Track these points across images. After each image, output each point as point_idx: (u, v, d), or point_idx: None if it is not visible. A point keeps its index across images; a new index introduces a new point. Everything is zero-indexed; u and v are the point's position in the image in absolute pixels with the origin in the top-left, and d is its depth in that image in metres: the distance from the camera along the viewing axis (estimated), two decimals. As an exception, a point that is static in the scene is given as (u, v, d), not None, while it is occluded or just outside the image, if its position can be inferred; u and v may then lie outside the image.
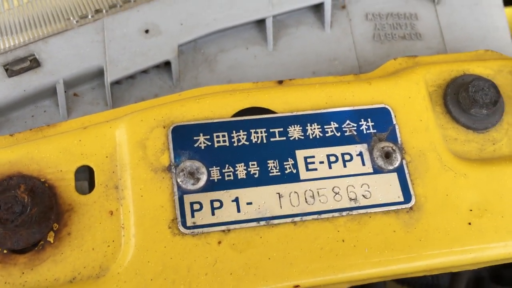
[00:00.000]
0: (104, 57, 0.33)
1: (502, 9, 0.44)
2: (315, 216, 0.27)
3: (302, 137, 0.29)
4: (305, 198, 0.27)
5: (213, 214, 0.26)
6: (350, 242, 0.27)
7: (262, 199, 0.27)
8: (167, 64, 0.35)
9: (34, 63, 0.32)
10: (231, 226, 0.26)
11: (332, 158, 0.28)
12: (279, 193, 0.27)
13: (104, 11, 0.35)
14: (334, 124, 0.29)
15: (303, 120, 0.29)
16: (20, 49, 0.32)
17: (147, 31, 0.34)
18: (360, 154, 0.29)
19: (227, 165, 0.27)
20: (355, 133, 0.29)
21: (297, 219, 0.27)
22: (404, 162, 0.29)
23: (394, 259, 0.27)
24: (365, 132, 0.29)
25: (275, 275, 0.25)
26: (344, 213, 0.27)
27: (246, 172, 0.27)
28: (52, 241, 0.25)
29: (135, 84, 0.35)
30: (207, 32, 0.35)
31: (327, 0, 0.37)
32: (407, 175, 0.28)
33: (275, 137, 0.28)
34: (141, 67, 0.34)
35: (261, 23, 0.37)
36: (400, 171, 0.28)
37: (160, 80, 0.35)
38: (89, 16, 0.35)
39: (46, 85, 0.32)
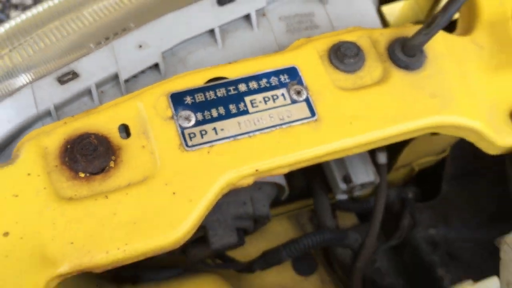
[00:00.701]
0: (116, 66, 0.53)
1: (371, 3, 0.65)
2: (260, 131, 0.47)
3: (247, 90, 0.48)
4: (254, 122, 0.47)
5: (202, 138, 0.46)
6: (284, 142, 0.47)
7: (229, 126, 0.46)
8: (156, 65, 0.54)
9: (75, 75, 0.51)
10: (214, 143, 0.46)
11: (267, 99, 0.48)
12: (238, 122, 0.47)
13: (111, 37, 0.54)
14: (264, 80, 0.49)
15: (246, 80, 0.49)
16: (65, 67, 0.51)
17: (140, 46, 0.54)
18: (283, 94, 0.49)
19: (205, 111, 0.47)
20: (278, 83, 0.49)
21: (251, 134, 0.46)
22: (309, 95, 0.49)
23: (310, 147, 0.47)
24: (283, 81, 0.49)
25: (243, 160, 0.45)
26: (277, 127, 0.47)
27: (217, 113, 0.47)
28: (113, 166, 0.44)
29: (138, 81, 0.54)
30: (178, 42, 0.55)
31: (253, 12, 0.58)
32: (312, 102, 0.48)
33: (231, 92, 0.48)
34: (140, 69, 0.53)
35: (212, 31, 0.57)
36: (307, 100, 0.49)
37: (153, 76, 0.55)
38: (102, 42, 0.54)
39: (84, 88, 0.51)
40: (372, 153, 0.70)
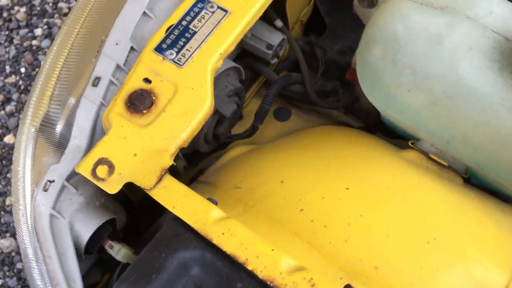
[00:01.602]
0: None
1: None
2: (209, 35, 0.82)
3: (188, 21, 0.84)
4: (203, 34, 0.83)
5: (184, 57, 0.81)
6: (223, 32, 0.83)
7: (192, 44, 0.82)
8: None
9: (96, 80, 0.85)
10: (192, 55, 0.81)
11: (200, 19, 0.84)
12: (195, 39, 0.82)
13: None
14: (192, 12, 0.85)
15: (184, 17, 0.84)
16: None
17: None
18: (205, 12, 0.85)
19: (176, 44, 0.82)
20: (200, 8, 0.85)
21: (206, 39, 0.82)
22: (217, 4, 0.85)
23: (237, 26, 0.83)
24: (201, 6, 0.85)
25: (211, 52, 0.81)
26: (215, 28, 0.83)
27: (182, 41, 0.82)
28: (155, 99, 0.79)
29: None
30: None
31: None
32: (221, 6, 0.85)
33: (181, 27, 0.83)
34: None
35: (145, 12, 0.91)
36: (218, 7, 0.85)
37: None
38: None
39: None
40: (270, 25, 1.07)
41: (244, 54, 1.09)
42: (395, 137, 0.90)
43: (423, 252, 0.63)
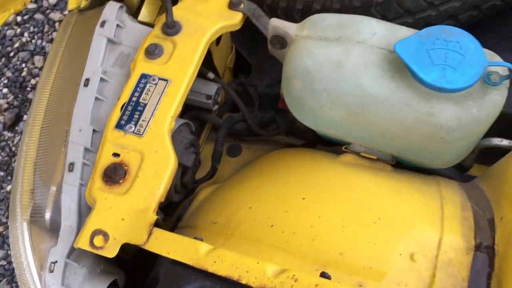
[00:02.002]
0: (81, 145, 0.99)
1: None
2: (158, 103, 0.97)
3: (137, 96, 0.98)
4: (153, 104, 0.97)
5: (144, 128, 0.95)
6: (169, 98, 0.97)
7: (146, 114, 0.96)
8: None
9: (71, 166, 0.97)
10: (148, 123, 0.95)
11: (147, 91, 0.98)
12: (147, 109, 0.97)
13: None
14: (139, 86, 0.99)
15: (133, 93, 0.98)
16: (65, 164, 0.96)
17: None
18: (150, 86, 0.99)
19: (132, 119, 0.96)
20: (145, 82, 0.99)
21: (157, 107, 0.96)
22: (157, 77, 0.99)
23: (179, 89, 0.98)
24: (145, 82, 0.99)
25: (164, 118, 0.95)
26: (162, 95, 0.98)
27: (137, 114, 0.96)
28: (127, 170, 0.92)
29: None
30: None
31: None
32: (162, 77, 0.99)
33: (132, 102, 0.98)
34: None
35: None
36: (160, 79, 0.99)
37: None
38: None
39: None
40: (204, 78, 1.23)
41: (189, 108, 1.24)
42: (332, 145, 1.08)
43: (373, 231, 0.79)
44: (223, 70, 1.33)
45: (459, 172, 1.07)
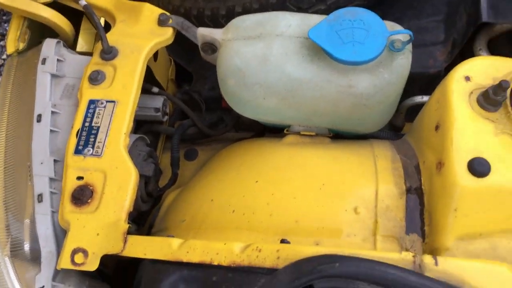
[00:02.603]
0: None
1: None
2: (110, 123, 1.05)
3: (90, 120, 1.06)
4: (106, 124, 1.05)
5: (102, 149, 1.03)
6: (119, 118, 1.05)
7: (101, 136, 1.04)
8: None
9: (40, 197, 1.03)
10: (104, 143, 1.03)
11: (97, 115, 1.06)
12: (101, 131, 1.04)
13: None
14: (90, 111, 1.06)
15: (85, 118, 1.06)
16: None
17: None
18: (100, 109, 1.07)
19: (89, 143, 1.04)
20: (94, 107, 1.07)
21: (109, 126, 1.04)
22: (105, 100, 1.07)
23: (126, 109, 1.06)
24: (94, 106, 1.07)
25: (118, 134, 1.03)
26: (112, 115, 1.05)
27: (93, 139, 1.04)
28: (93, 191, 0.99)
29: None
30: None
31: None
32: (109, 99, 1.07)
33: (86, 127, 1.05)
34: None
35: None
36: (108, 101, 1.07)
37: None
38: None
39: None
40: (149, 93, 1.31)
41: (141, 124, 1.32)
42: (278, 131, 1.18)
43: (320, 196, 0.89)
44: (166, 82, 1.41)
45: (394, 133, 1.19)
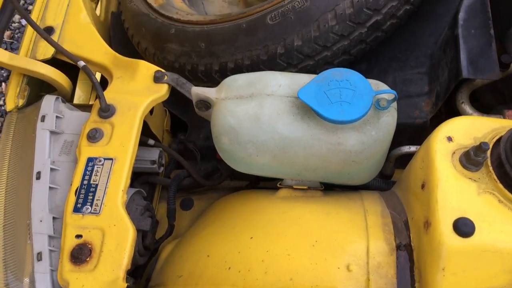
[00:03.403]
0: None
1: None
2: (108, 182, 1.08)
3: (88, 178, 1.09)
4: (102, 181, 1.08)
5: (100, 207, 1.05)
6: (117, 175, 1.08)
7: (99, 194, 1.07)
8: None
9: (39, 255, 1.05)
10: (102, 201, 1.06)
11: (96, 172, 1.09)
12: (99, 188, 1.07)
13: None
14: (89, 168, 1.10)
15: (84, 175, 1.09)
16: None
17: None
18: (98, 167, 1.10)
19: (87, 202, 1.06)
20: (92, 164, 1.10)
21: (107, 184, 1.07)
22: (103, 159, 1.10)
23: (124, 166, 1.10)
24: (92, 164, 1.10)
25: (116, 190, 1.06)
26: (110, 174, 1.08)
27: (91, 198, 1.07)
28: (92, 249, 1.02)
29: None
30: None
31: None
32: (107, 157, 1.10)
33: (84, 185, 1.08)
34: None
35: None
36: (106, 159, 1.10)
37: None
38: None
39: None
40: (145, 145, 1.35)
41: (138, 175, 1.35)
42: (272, 180, 1.22)
43: (313, 253, 0.92)
44: (161, 134, 1.45)
45: (384, 181, 1.23)
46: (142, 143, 1.33)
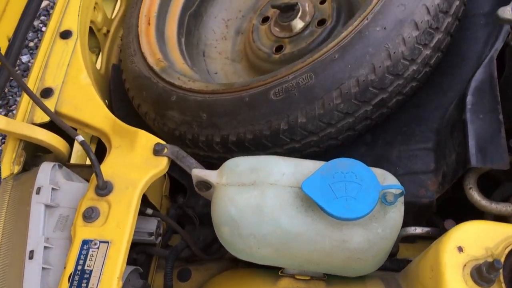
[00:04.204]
0: None
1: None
2: (103, 267, 1.04)
3: (82, 263, 1.05)
4: (99, 267, 1.04)
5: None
6: (112, 259, 1.05)
7: (94, 281, 1.03)
8: None
9: None
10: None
11: (91, 256, 1.05)
12: (94, 275, 1.03)
13: None
14: (83, 252, 1.06)
15: (78, 261, 1.05)
16: None
17: None
18: (93, 250, 1.06)
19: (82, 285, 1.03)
20: (87, 248, 1.06)
21: (102, 270, 1.03)
22: (98, 242, 1.07)
23: (121, 249, 1.06)
24: (87, 247, 1.07)
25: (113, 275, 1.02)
26: (106, 258, 1.05)
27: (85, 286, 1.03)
28: None
29: None
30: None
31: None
32: (102, 240, 1.07)
33: (77, 277, 1.04)
34: None
35: (44, 268, 1.11)
36: (102, 242, 1.07)
37: None
38: None
39: None
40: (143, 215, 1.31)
41: (134, 244, 1.31)
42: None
43: None
44: (159, 201, 1.42)
45: (391, 260, 1.19)
46: (140, 212, 1.29)
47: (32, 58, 2.64)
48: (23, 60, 2.68)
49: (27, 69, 2.63)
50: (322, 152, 1.25)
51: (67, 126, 1.20)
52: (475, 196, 1.10)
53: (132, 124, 1.51)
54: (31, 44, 2.74)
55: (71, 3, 1.55)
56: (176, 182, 1.52)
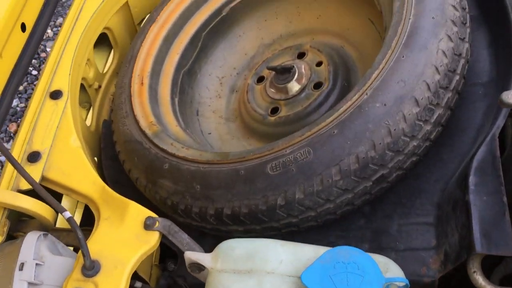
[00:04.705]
0: None
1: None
2: None
3: None
4: None
5: None
6: None
7: None
8: None
9: None
10: None
11: None
12: None
13: None
14: None
15: None
16: None
17: None
18: None
19: None
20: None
21: None
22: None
23: None
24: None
25: None
26: None
27: None
28: None
29: None
30: None
31: None
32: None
33: None
34: None
35: None
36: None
37: None
38: None
39: None
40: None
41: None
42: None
43: None
44: (149, 271, 1.36)
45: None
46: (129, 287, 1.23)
47: (20, 102, 2.59)
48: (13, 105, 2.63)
49: (14, 114, 2.58)
50: (319, 225, 1.21)
51: (53, 200, 1.15)
52: (480, 280, 1.06)
53: (122, 184, 1.47)
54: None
55: (62, 60, 1.52)
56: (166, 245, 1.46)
